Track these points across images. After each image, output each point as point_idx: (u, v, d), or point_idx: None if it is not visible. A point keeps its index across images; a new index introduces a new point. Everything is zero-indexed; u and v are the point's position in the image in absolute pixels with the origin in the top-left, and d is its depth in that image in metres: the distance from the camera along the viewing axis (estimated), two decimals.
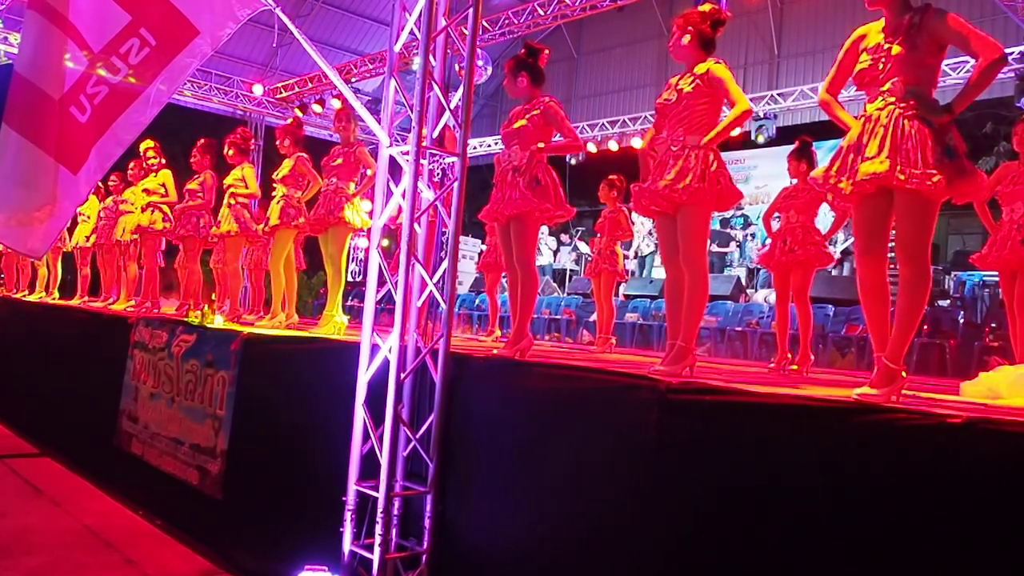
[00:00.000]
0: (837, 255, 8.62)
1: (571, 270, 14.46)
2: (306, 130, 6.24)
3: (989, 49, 2.65)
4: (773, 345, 8.82)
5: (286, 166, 5.68)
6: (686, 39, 3.38)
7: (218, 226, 6.25)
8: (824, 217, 6.13)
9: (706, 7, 3.42)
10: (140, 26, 3.52)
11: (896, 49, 2.74)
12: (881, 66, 2.78)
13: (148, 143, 7.16)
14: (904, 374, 2.70)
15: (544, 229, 14.61)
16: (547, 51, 4.11)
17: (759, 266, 12.10)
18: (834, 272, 9.78)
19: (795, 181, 5.27)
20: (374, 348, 3.10)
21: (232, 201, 6.18)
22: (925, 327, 7.59)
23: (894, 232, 2.85)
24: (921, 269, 2.70)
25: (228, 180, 6.26)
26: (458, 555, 2.99)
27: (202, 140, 6.76)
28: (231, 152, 6.34)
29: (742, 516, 2.21)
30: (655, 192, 3.31)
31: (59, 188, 3.59)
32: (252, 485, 4.00)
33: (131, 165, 7.48)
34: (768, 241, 5.62)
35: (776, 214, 5.46)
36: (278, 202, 5.60)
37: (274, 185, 5.72)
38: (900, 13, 2.79)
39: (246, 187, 6.20)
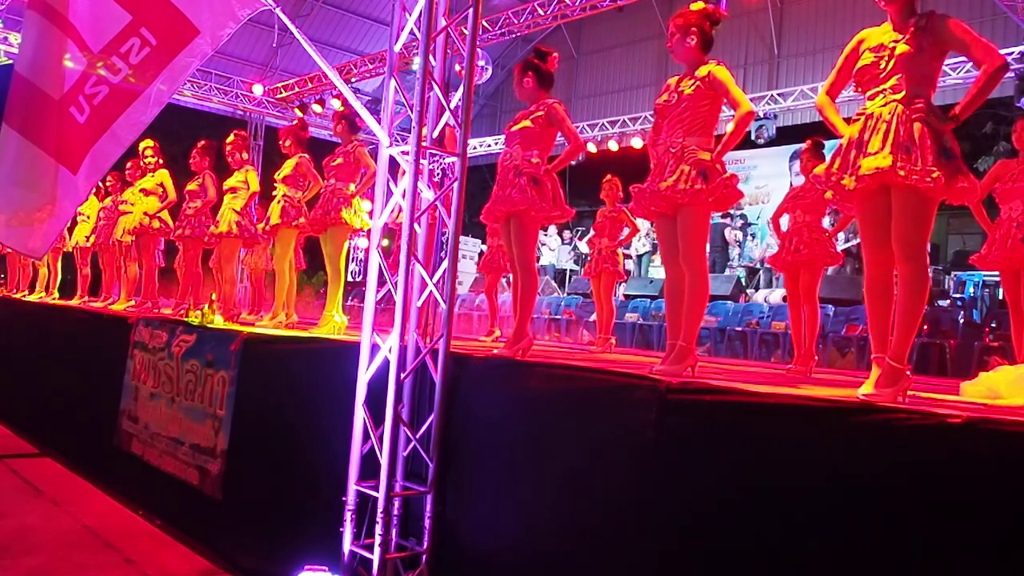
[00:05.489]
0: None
1: (571, 270, 14.47)
2: (309, 131, 6.23)
3: (991, 57, 2.66)
4: (774, 345, 8.88)
5: (288, 166, 5.68)
6: (693, 40, 3.36)
7: (216, 227, 6.24)
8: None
9: (700, 4, 3.41)
10: (140, 26, 3.52)
11: (902, 48, 2.75)
12: (883, 64, 2.79)
13: (148, 143, 7.17)
14: (908, 373, 2.70)
15: (552, 228, 14.63)
16: (555, 54, 4.10)
17: (759, 266, 12.14)
18: (833, 272, 9.78)
19: (800, 180, 5.27)
20: (374, 348, 3.10)
21: (235, 205, 6.17)
22: (925, 327, 7.60)
23: None
24: (920, 267, 2.72)
25: (230, 182, 6.25)
26: (458, 555, 2.99)
27: (202, 141, 6.77)
28: (235, 156, 6.32)
29: (742, 516, 2.21)
30: (655, 193, 3.31)
31: (59, 188, 3.59)
32: (252, 485, 3.99)
33: (128, 165, 7.48)
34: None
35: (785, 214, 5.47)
36: (279, 202, 5.60)
37: (275, 185, 5.72)
38: (907, 15, 2.81)
39: (247, 188, 6.19)
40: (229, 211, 6.15)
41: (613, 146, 14.45)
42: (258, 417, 4.06)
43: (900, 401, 2.60)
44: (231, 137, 6.36)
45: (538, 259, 6.18)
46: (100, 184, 7.85)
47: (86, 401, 5.77)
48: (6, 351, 7.53)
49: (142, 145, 7.14)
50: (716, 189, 3.24)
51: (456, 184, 3.17)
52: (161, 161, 7.22)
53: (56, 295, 9.08)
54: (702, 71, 3.33)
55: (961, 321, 8.67)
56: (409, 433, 3.04)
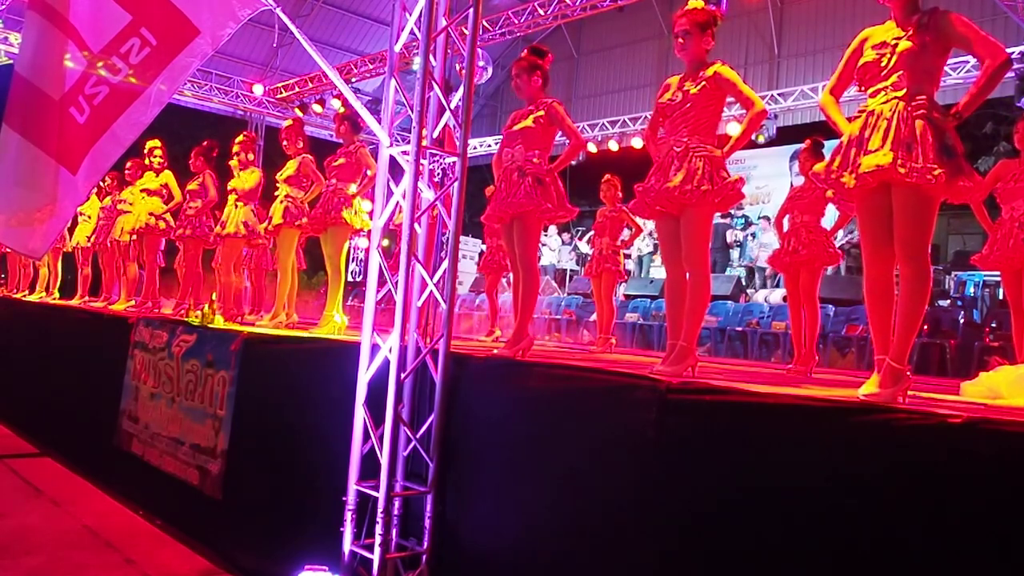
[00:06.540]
0: None
1: (571, 270, 14.47)
2: (307, 130, 6.23)
3: (994, 53, 2.64)
4: (774, 345, 8.88)
5: (291, 166, 5.68)
6: (710, 40, 3.36)
7: (222, 227, 6.25)
8: (832, 216, 6.11)
9: (700, 3, 3.41)
10: (141, 26, 3.53)
11: (904, 45, 2.73)
12: (885, 61, 2.78)
13: (155, 143, 7.18)
14: (908, 374, 2.70)
15: (552, 228, 14.61)
16: (551, 54, 4.13)
17: (759, 266, 12.14)
18: (832, 272, 9.77)
19: (800, 180, 5.27)
20: (374, 348, 3.10)
21: (240, 204, 6.17)
22: (925, 327, 7.58)
23: None
24: (922, 267, 2.70)
25: (233, 183, 6.26)
26: (458, 555, 2.99)
27: (205, 142, 6.79)
28: (245, 154, 6.32)
29: (742, 516, 2.21)
30: (662, 192, 3.30)
31: (59, 188, 3.60)
32: (252, 485, 4.00)
33: (128, 165, 7.47)
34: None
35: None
36: (281, 202, 5.61)
37: (277, 185, 5.72)
38: (910, 12, 2.80)
39: (245, 187, 6.20)
40: (234, 210, 6.16)
41: (613, 146, 14.46)
42: (258, 417, 4.06)
43: (900, 401, 2.59)
44: (241, 137, 6.36)
45: (538, 259, 6.15)
46: (101, 184, 7.86)
47: (86, 401, 5.77)
48: (6, 351, 7.53)
49: (149, 144, 7.15)
50: (723, 190, 3.23)
51: (456, 184, 3.17)
52: (165, 162, 7.23)
53: (56, 295, 9.08)
54: (708, 71, 3.32)
55: (961, 321, 8.66)
56: (409, 433, 3.04)
